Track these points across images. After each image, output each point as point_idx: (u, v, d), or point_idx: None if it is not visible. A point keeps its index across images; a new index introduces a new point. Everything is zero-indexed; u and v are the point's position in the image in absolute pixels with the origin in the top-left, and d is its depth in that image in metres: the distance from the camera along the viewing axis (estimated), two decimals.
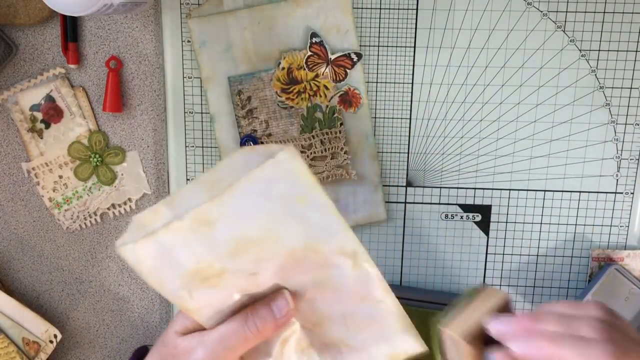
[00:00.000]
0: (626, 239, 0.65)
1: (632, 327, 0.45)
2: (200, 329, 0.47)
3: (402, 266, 0.67)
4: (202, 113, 0.64)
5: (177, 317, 0.49)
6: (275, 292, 0.46)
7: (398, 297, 0.65)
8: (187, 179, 0.65)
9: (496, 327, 0.45)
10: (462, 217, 0.65)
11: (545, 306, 0.45)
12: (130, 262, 0.42)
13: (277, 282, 0.45)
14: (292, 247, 0.43)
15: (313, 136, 0.63)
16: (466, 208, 0.65)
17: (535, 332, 0.43)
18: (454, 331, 0.45)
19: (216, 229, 0.40)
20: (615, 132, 0.62)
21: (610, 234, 0.65)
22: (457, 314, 0.46)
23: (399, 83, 0.62)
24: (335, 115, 0.62)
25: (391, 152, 0.64)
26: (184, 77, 0.63)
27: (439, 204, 0.65)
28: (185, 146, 0.65)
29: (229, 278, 0.43)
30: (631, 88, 0.61)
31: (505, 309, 0.47)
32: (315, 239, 0.42)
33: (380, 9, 0.61)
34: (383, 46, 0.62)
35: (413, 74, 0.62)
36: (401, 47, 0.62)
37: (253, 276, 0.44)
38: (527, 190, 0.64)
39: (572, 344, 0.42)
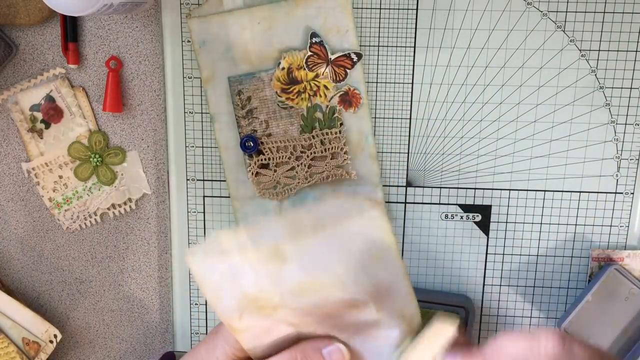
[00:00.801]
0: (626, 239, 0.65)
1: (588, 348, 0.42)
2: (243, 357, 0.47)
3: None
4: (202, 113, 0.64)
5: (217, 341, 0.48)
6: (327, 339, 0.46)
7: None
8: (187, 179, 0.65)
9: None
10: (462, 217, 0.65)
11: (496, 344, 0.42)
12: (195, 272, 0.43)
13: (327, 328, 0.46)
14: (356, 300, 0.43)
15: (313, 136, 0.63)
16: (466, 208, 0.65)
17: None
18: None
19: (287, 267, 0.41)
20: (615, 132, 0.63)
21: (610, 234, 0.65)
22: (408, 351, 0.44)
23: (399, 83, 0.62)
24: (335, 115, 0.62)
25: (391, 152, 0.64)
26: (184, 77, 0.63)
27: (439, 204, 0.65)
28: (185, 146, 0.65)
29: (283, 313, 0.44)
30: (631, 88, 0.61)
31: (458, 339, 0.45)
32: (380, 297, 0.43)
33: (380, 9, 0.61)
34: (383, 46, 0.62)
35: (413, 74, 0.62)
36: (401, 47, 0.62)
37: (307, 317, 0.44)
38: (527, 190, 0.64)
39: None
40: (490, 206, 0.65)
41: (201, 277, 0.43)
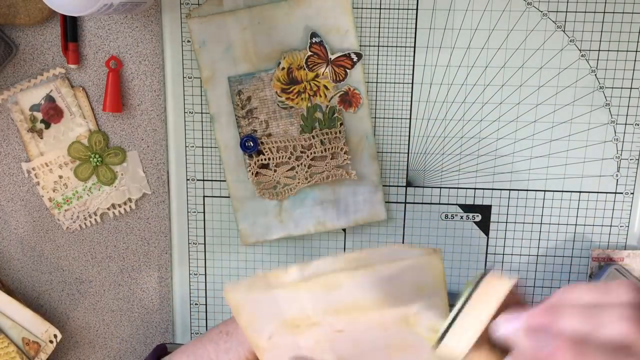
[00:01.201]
0: (626, 239, 0.65)
1: None
2: None
3: None
4: (202, 113, 0.64)
5: (230, 343, 0.48)
6: None
7: None
8: (187, 179, 0.65)
9: (505, 330, 0.38)
10: (462, 217, 0.65)
11: (564, 293, 0.37)
12: (232, 304, 0.44)
13: (353, 350, 0.46)
14: (391, 320, 0.43)
15: (313, 136, 0.63)
16: (466, 208, 0.65)
17: (554, 332, 0.36)
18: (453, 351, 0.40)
19: (338, 292, 0.42)
20: (615, 132, 0.62)
21: (610, 234, 0.65)
22: (457, 323, 0.40)
23: (399, 83, 0.62)
24: (335, 115, 0.62)
25: (391, 152, 0.64)
26: (184, 77, 0.63)
27: (439, 204, 0.65)
28: (185, 146, 0.65)
29: (315, 330, 0.44)
30: (631, 88, 0.61)
31: (513, 299, 0.40)
32: (415, 316, 0.43)
33: (380, 9, 0.61)
34: (383, 46, 0.62)
35: (413, 74, 0.62)
36: (401, 47, 0.62)
37: (338, 333, 0.45)
38: (527, 190, 0.64)
39: (600, 353, 0.34)
40: (490, 206, 0.65)
41: (237, 308, 0.44)
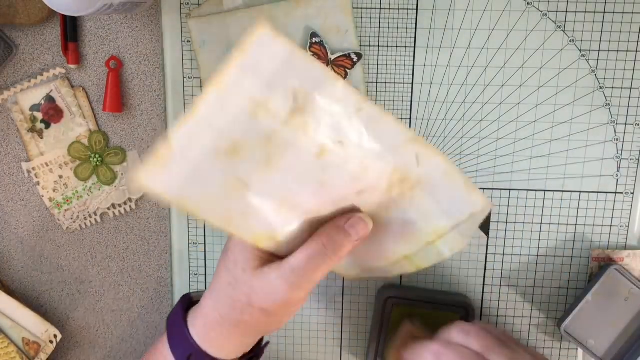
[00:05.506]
0: (626, 239, 0.65)
1: None
2: (268, 260, 0.44)
3: None
4: None
5: (236, 254, 0.45)
6: (346, 215, 0.43)
7: (399, 297, 0.65)
8: None
9: None
10: None
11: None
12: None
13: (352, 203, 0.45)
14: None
15: None
16: None
17: None
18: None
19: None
20: (615, 132, 0.63)
21: (610, 234, 0.65)
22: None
23: (399, 83, 0.62)
24: None
25: None
26: (184, 77, 0.63)
27: None
28: None
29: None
30: (631, 88, 0.61)
31: None
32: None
33: (380, 9, 0.61)
34: (383, 46, 0.62)
35: (413, 74, 0.62)
36: (401, 47, 0.62)
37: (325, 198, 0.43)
38: (527, 190, 0.64)
39: None
40: None
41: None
